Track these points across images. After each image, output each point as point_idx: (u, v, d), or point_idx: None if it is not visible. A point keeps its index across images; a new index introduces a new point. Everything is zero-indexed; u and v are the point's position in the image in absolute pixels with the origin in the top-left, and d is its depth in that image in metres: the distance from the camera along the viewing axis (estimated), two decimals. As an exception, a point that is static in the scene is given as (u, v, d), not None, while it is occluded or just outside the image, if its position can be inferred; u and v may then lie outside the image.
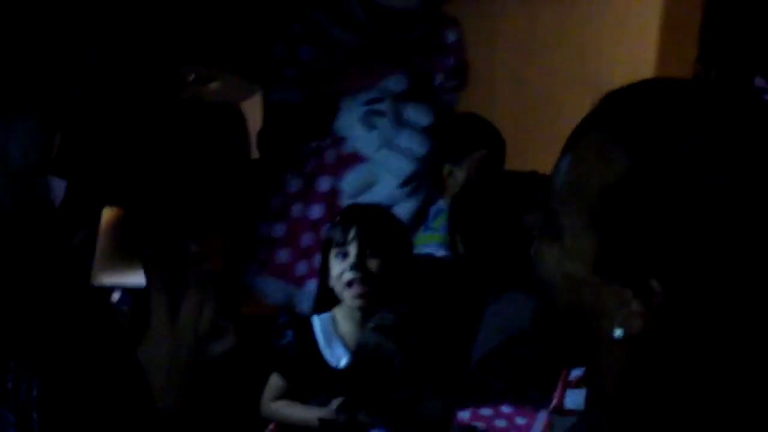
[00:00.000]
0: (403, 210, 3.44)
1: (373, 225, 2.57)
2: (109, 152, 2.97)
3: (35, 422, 0.81)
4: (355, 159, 3.60)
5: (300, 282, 3.63)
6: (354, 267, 2.50)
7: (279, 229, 3.69)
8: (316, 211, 3.63)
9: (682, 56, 4.60)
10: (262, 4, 3.66)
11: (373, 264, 2.52)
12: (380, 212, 2.77)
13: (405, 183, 3.52)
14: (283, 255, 3.64)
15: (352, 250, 2.52)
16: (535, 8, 4.93)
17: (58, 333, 0.85)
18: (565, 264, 0.89)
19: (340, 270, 2.53)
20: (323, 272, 2.61)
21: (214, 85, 3.54)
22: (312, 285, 3.53)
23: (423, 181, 3.58)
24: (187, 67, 3.47)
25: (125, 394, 0.90)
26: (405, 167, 3.53)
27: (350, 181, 3.58)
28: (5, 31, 0.88)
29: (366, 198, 3.50)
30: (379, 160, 3.55)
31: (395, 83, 3.58)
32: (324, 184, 3.62)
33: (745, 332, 0.84)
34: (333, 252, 2.56)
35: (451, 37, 3.71)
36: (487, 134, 3.51)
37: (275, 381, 2.56)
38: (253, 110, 4.14)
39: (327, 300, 2.60)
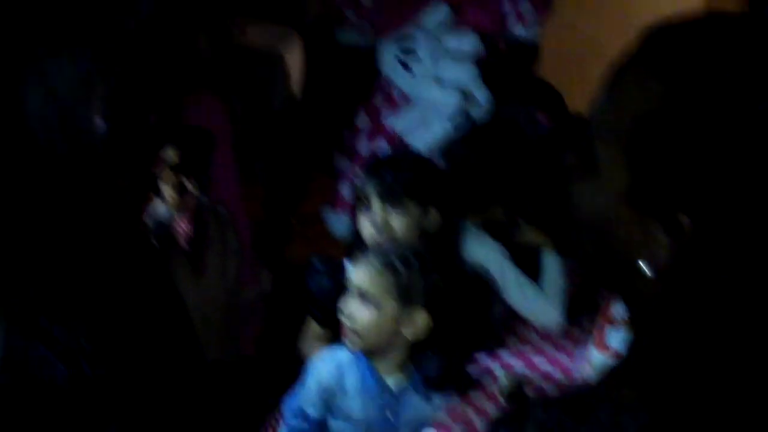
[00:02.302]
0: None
1: (395, 181, 2.44)
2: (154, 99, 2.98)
3: (87, 373, 0.81)
4: (409, 100, 3.53)
5: None
6: (376, 227, 2.43)
7: (344, 164, 3.67)
8: (383, 147, 3.56)
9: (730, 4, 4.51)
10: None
11: (396, 222, 2.44)
12: (407, 163, 2.57)
13: (455, 116, 3.43)
14: (347, 190, 3.60)
15: (375, 207, 2.44)
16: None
17: (109, 281, 0.85)
18: (598, 199, 0.89)
19: (366, 226, 2.47)
20: (355, 222, 2.55)
21: (252, 33, 3.54)
22: None
23: (473, 112, 3.48)
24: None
25: (176, 344, 0.90)
26: (451, 99, 3.44)
27: (402, 123, 3.51)
28: None
29: (421, 137, 3.42)
30: (424, 97, 3.46)
31: (431, 15, 3.47)
32: (389, 120, 3.56)
33: None
34: (359, 204, 2.50)
35: None
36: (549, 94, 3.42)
37: (311, 325, 2.54)
38: (293, 58, 4.13)
39: (360, 247, 2.55)
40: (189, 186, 1.04)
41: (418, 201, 2.46)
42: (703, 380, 0.83)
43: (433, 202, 2.49)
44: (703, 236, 0.83)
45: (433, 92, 3.46)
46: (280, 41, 3.73)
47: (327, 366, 2.15)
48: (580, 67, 4.69)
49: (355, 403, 2.13)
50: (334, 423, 2.15)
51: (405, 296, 2.09)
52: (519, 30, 3.60)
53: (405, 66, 3.47)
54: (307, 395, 2.15)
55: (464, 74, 3.46)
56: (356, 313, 2.10)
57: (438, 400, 2.16)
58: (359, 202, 2.50)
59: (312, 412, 2.15)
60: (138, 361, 0.85)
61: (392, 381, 2.14)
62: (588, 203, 0.91)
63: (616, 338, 2.11)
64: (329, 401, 2.15)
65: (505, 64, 3.59)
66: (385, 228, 2.42)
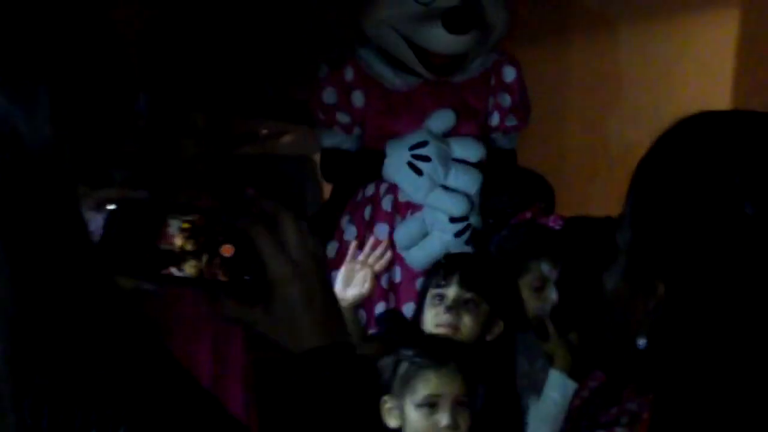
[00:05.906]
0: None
1: (477, 272, 2.60)
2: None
3: None
4: (410, 207, 3.55)
5: None
6: (449, 310, 2.51)
7: (334, 277, 3.63)
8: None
9: (758, 96, 4.52)
10: (312, 53, 3.68)
11: (466, 317, 2.52)
12: (488, 265, 2.77)
13: (456, 220, 3.46)
14: None
15: (450, 293, 2.54)
16: (604, 49, 4.90)
17: (132, 368, 0.80)
18: (612, 281, 0.96)
19: (434, 312, 2.55)
20: (417, 315, 2.65)
21: (287, 139, 3.58)
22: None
23: (473, 222, 3.52)
24: (260, 121, 3.52)
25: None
26: (458, 206, 3.46)
27: (402, 235, 3.52)
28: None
29: (419, 250, 3.47)
30: (432, 204, 3.48)
31: (440, 121, 3.51)
32: (381, 232, 3.56)
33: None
34: (431, 293, 2.59)
35: (509, 75, 3.66)
36: (541, 187, 3.44)
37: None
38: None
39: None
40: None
41: (490, 304, 2.53)
42: None
43: (500, 312, 2.58)
44: (678, 302, 0.88)
45: (440, 199, 3.47)
46: (302, 143, 3.77)
47: None
48: (606, 164, 4.71)
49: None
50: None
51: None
52: (501, 139, 3.72)
53: (416, 171, 3.46)
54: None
55: (471, 183, 3.50)
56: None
57: None
58: (429, 298, 2.59)
59: None
60: None
61: None
62: (609, 288, 0.97)
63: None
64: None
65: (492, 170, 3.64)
66: (455, 318, 2.47)
